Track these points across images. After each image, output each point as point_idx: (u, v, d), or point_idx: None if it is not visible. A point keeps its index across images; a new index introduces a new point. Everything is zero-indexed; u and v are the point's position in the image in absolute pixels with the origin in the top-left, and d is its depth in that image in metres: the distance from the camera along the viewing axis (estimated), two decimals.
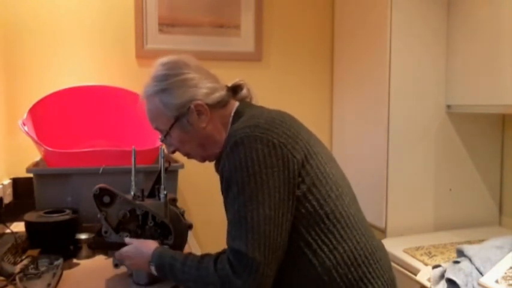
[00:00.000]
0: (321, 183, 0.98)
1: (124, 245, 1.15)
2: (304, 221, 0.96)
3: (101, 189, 1.19)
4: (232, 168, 0.95)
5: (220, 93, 1.10)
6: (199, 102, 1.07)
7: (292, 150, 0.97)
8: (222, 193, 1.04)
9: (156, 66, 1.11)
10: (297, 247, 0.96)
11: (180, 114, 1.07)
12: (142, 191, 1.25)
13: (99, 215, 1.19)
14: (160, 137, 1.15)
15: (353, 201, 1.06)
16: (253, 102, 1.17)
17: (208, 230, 2.14)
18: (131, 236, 1.19)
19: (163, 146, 1.23)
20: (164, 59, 1.11)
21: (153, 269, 1.06)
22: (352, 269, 0.97)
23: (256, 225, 0.91)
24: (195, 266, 0.97)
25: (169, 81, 1.07)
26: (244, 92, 1.16)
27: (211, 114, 1.08)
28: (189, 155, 1.16)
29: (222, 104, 1.10)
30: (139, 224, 1.21)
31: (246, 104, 1.13)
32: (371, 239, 1.04)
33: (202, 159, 1.16)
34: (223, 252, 0.96)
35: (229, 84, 1.16)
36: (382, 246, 1.10)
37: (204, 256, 0.99)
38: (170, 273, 1.01)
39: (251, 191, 0.93)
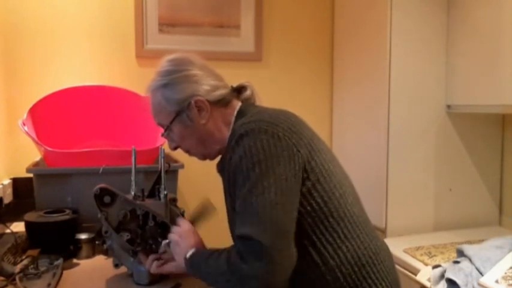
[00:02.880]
0: (325, 181, 0.98)
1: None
2: (310, 218, 0.96)
3: (101, 189, 1.19)
4: (237, 158, 0.95)
5: (222, 92, 1.11)
6: (200, 98, 1.07)
7: (296, 144, 0.97)
8: (225, 192, 1.03)
9: (162, 62, 1.12)
10: (301, 245, 0.95)
11: (180, 109, 1.08)
12: (143, 191, 1.25)
13: (99, 215, 1.19)
14: (162, 132, 1.15)
15: (356, 201, 1.06)
16: (257, 103, 1.18)
17: (208, 229, 2.14)
18: (131, 237, 1.19)
19: (164, 146, 1.23)
20: (170, 56, 1.13)
21: (188, 255, 1.04)
22: (356, 269, 0.97)
23: (262, 210, 0.88)
24: (215, 257, 0.95)
25: (172, 76, 1.08)
26: (248, 93, 1.16)
27: (212, 111, 1.09)
28: (189, 152, 1.16)
29: (224, 102, 1.10)
30: (140, 224, 1.21)
31: (249, 104, 1.14)
32: (375, 239, 1.04)
33: (203, 157, 1.16)
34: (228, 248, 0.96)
35: (234, 85, 1.17)
36: (386, 247, 1.09)
37: (226, 249, 0.97)
38: (196, 268, 1.00)
39: (256, 178, 0.91)
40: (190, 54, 1.14)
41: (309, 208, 0.96)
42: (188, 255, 1.04)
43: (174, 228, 1.13)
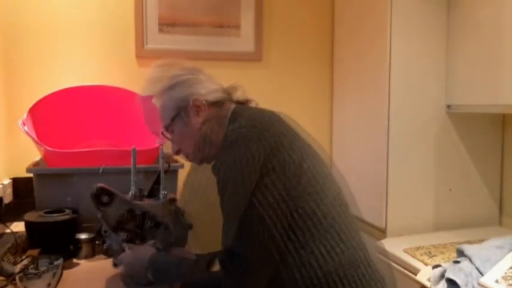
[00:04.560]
0: (293, 174, 0.97)
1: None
2: (271, 211, 0.93)
3: (99, 188, 1.19)
4: (228, 168, 0.97)
5: (220, 94, 1.15)
6: (198, 97, 1.12)
7: (288, 150, 0.98)
8: (219, 192, 1.04)
9: (155, 67, 1.18)
10: (259, 239, 0.93)
11: (180, 108, 1.12)
12: (141, 190, 1.25)
13: (99, 215, 1.20)
14: (162, 131, 1.18)
15: (339, 204, 1.02)
16: (249, 104, 1.19)
17: (208, 230, 2.14)
18: (130, 236, 1.19)
19: (163, 146, 1.23)
20: (169, 61, 1.19)
21: (149, 275, 1.06)
22: (320, 274, 0.92)
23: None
24: (190, 270, 0.96)
25: (176, 79, 1.15)
26: (239, 94, 1.19)
27: (209, 112, 1.12)
28: (188, 156, 1.18)
29: (219, 104, 1.14)
30: (138, 224, 1.22)
31: (241, 107, 1.15)
32: (352, 248, 0.98)
33: (200, 162, 1.17)
34: (216, 253, 0.96)
35: (225, 86, 1.19)
36: (370, 260, 1.03)
37: (199, 259, 0.98)
38: (166, 278, 1.01)
39: (245, 191, 0.93)
40: (187, 61, 1.21)
41: (270, 199, 0.94)
42: (149, 263, 1.05)
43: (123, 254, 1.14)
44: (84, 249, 1.42)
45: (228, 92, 1.19)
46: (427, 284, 1.43)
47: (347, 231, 0.99)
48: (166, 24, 2.10)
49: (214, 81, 1.18)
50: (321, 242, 0.94)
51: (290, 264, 0.92)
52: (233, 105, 1.14)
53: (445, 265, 1.41)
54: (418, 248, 1.67)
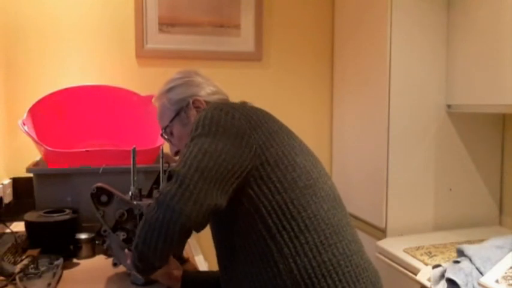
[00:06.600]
0: (287, 169, 0.98)
1: None
2: (266, 201, 0.95)
3: (98, 188, 1.19)
4: (194, 128, 0.98)
5: (218, 96, 1.19)
6: (198, 98, 1.16)
7: (281, 146, 0.99)
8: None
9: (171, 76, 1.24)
10: (255, 230, 0.94)
11: (180, 108, 1.16)
12: (140, 190, 1.25)
13: (97, 214, 1.20)
14: (161, 132, 1.22)
15: (331, 199, 1.02)
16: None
17: (208, 230, 2.14)
18: (128, 236, 1.19)
19: (164, 146, 1.24)
20: (180, 70, 1.25)
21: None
22: (314, 264, 0.93)
23: (189, 154, 0.92)
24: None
25: (176, 82, 1.19)
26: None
27: None
28: None
29: None
30: (137, 224, 1.21)
31: (239, 104, 1.16)
32: (345, 240, 0.99)
33: None
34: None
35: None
36: (366, 257, 1.03)
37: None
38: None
39: (199, 137, 0.95)
40: (197, 69, 1.27)
41: (266, 190, 0.95)
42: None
43: None
44: (84, 249, 1.42)
45: (225, 93, 1.22)
46: (427, 284, 1.43)
47: (341, 224, 1.00)
48: (166, 24, 2.11)
49: (212, 83, 1.21)
50: (315, 233, 0.95)
51: (285, 254, 0.93)
52: None
53: (445, 265, 1.41)
54: (418, 248, 1.67)
